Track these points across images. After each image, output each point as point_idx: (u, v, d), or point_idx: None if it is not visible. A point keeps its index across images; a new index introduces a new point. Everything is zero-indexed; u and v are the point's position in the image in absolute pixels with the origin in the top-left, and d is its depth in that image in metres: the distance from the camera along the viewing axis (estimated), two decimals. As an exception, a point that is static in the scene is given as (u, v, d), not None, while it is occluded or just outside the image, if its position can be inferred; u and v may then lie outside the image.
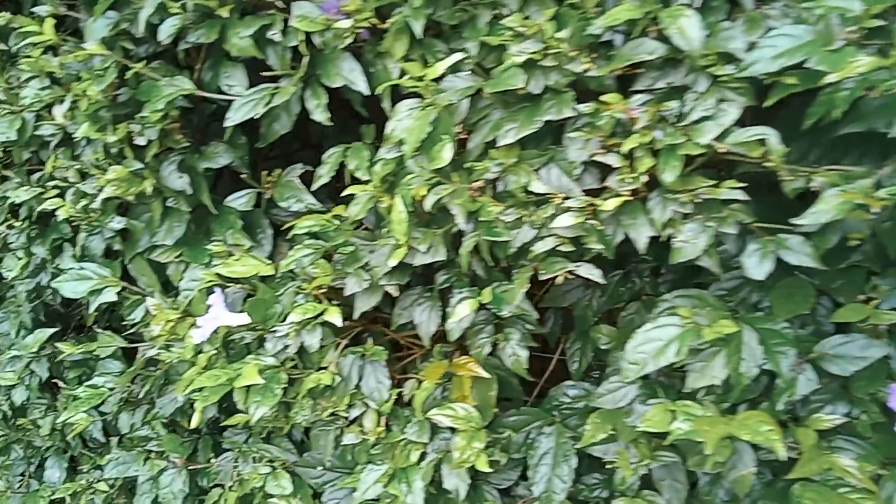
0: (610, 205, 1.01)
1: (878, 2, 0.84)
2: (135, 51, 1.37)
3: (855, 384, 1.09)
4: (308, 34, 1.16)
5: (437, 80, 1.07)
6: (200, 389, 1.26)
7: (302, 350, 1.29)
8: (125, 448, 1.67)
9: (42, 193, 1.54)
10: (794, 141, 0.97)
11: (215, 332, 1.35)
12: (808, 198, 0.95)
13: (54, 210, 1.49)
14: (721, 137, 0.93)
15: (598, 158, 1.01)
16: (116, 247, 1.54)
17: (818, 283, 1.11)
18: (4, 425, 1.88)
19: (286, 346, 1.29)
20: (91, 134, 1.35)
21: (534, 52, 0.99)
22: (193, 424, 1.32)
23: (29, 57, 1.40)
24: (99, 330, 1.63)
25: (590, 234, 1.05)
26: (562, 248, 1.07)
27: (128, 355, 1.66)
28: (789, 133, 0.94)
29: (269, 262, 1.34)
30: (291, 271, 1.30)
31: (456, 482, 1.28)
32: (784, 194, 0.97)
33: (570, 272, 1.08)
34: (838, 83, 0.85)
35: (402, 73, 1.12)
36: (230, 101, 1.28)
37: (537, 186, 1.06)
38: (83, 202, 1.45)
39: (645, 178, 0.98)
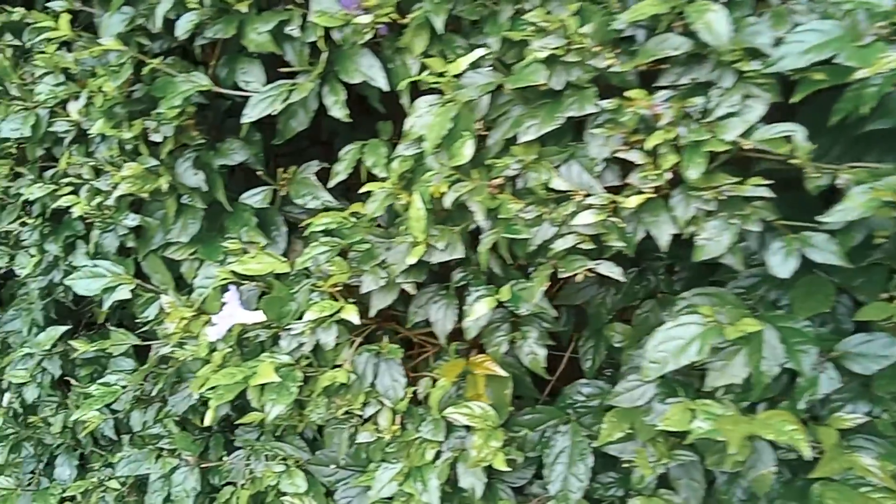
0: (632, 202, 1.00)
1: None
2: (149, 46, 1.37)
3: (876, 383, 1.08)
4: (327, 29, 1.16)
5: (458, 75, 1.06)
6: (215, 388, 1.26)
7: (317, 348, 1.29)
8: (136, 446, 1.67)
9: (56, 190, 1.54)
10: (815, 137, 0.96)
11: (229, 329, 1.34)
12: (828, 195, 0.94)
13: (68, 207, 1.49)
14: (747, 134, 0.92)
15: (620, 155, 1.01)
16: (130, 244, 1.53)
17: (838, 281, 1.10)
18: (14, 423, 1.88)
19: (301, 344, 1.29)
20: (106, 130, 1.34)
21: (556, 48, 0.98)
22: (207, 422, 1.33)
23: (43, 53, 1.39)
24: (112, 328, 1.63)
25: (611, 232, 1.04)
26: (582, 246, 1.07)
27: (139, 353, 1.66)
28: (810, 129, 0.94)
29: (284, 259, 1.34)
30: (306, 269, 1.29)
31: (472, 481, 1.28)
32: (803, 191, 0.97)
33: (589, 270, 1.08)
34: (866, 79, 0.84)
35: (422, 69, 1.12)
36: (246, 98, 1.28)
37: (558, 183, 1.05)
38: (98, 199, 1.45)
39: (669, 176, 0.97)
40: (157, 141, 1.36)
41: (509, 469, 1.24)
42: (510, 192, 1.10)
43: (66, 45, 1.42)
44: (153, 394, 1.64)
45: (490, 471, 1.27)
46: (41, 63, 1.41)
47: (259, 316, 1.32)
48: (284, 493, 1.48)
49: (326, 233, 1.26)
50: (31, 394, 1.80)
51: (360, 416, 1.33)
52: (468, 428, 1.27)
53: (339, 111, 1.22)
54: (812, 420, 1.11)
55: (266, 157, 1.45)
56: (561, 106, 1.03)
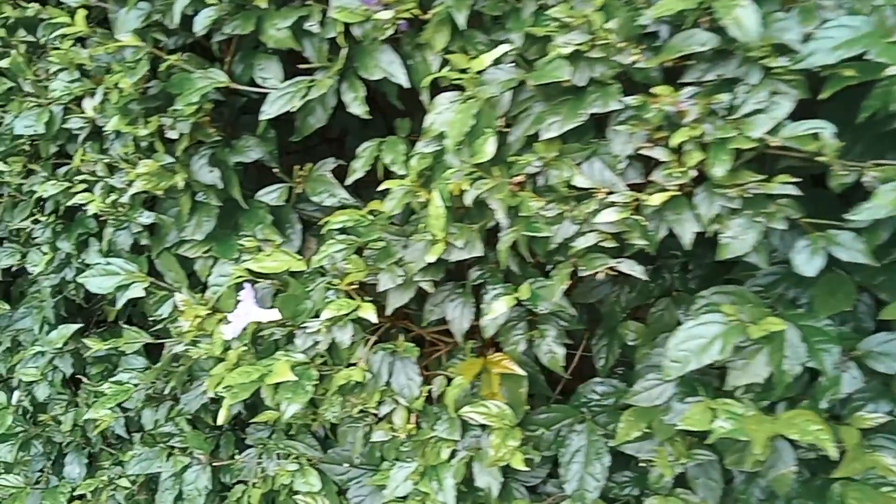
0: (656, 200, 0.99)
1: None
2: (165, 42, 1.36)
3: (898, 382, 1.08)
4: (347, 25, 1.15)
5: (480, 72, 1.06)
6: (230, 387, 1.25)
7: (332, 346, 1.28)
8: (148, 444, 1.66)
9: (69, 188, 1.53)
10: (838, 135, 0.96)
11: (244, 328, 1.33)
12: (852, 193, 0.94)
13: (81, 205, 1.48)
14: (774, 131, 0.92)
15: (644, 152, 1.00)
16: (143, 241, 1.52)
17: (859, 280, 1.10)
18: (24, 421, 1.87)
19: (316, 343, 1.28)
20: (122, 127, 1.34)
21: (580, 44, 0.98)
22: (220, 421, 1.32)
23: (58, 49, 1.39)
24: (124, 325, 1.62)
25: (633, 230, 1.04)
26: (603, 244, 1.06)
27: (150, 351, 1.65)
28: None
29: (300, 257, 1.33)
30: (321, 267, 1.28)
31: (488, 480, 1.27)
32: (822, 188, 0.96)
33: (610, 268, 1.07)
34: (895, 76, 0.84)
35: (443, 65, 1.11)
36: (261, 94, 1.27)
37: (580, 181, 1.05)
38: (112, 196, 1.44)
39: (693, 173, 0.97)
40: (172, 138, 1.35)
41: (526, 468, 1.23)
42: (531, 190, 1.09)
43: (81, 41, 1.41)
44: (165, 392, 1.63)
45: (505, 470, 1.27)
46: (56, 59, 1.40)
47: (274, 314, 1.31)
48: (297, 492, 1.47)
49: (342, 231, 1.26)
50: (41, 392, 1.79)
51: (375, 415, 1.33)
52: (483, 427, 1.27)
53: (358, 108, 1.22)
54: (832, 419, 1.10)
55: (279, 155, 1.45)
56: (584, 102, 1.02)
